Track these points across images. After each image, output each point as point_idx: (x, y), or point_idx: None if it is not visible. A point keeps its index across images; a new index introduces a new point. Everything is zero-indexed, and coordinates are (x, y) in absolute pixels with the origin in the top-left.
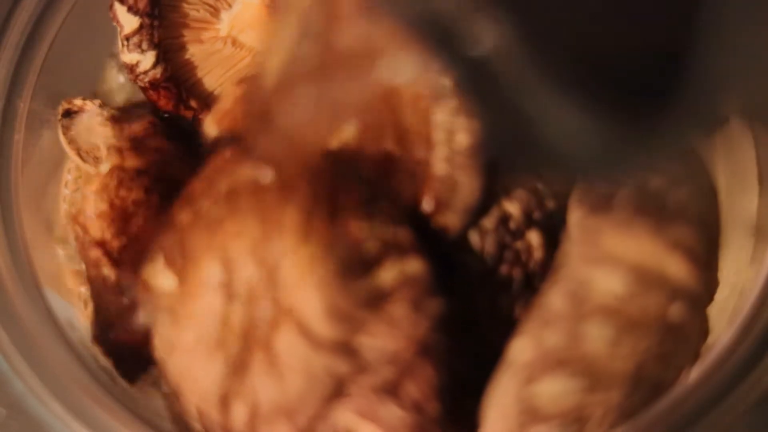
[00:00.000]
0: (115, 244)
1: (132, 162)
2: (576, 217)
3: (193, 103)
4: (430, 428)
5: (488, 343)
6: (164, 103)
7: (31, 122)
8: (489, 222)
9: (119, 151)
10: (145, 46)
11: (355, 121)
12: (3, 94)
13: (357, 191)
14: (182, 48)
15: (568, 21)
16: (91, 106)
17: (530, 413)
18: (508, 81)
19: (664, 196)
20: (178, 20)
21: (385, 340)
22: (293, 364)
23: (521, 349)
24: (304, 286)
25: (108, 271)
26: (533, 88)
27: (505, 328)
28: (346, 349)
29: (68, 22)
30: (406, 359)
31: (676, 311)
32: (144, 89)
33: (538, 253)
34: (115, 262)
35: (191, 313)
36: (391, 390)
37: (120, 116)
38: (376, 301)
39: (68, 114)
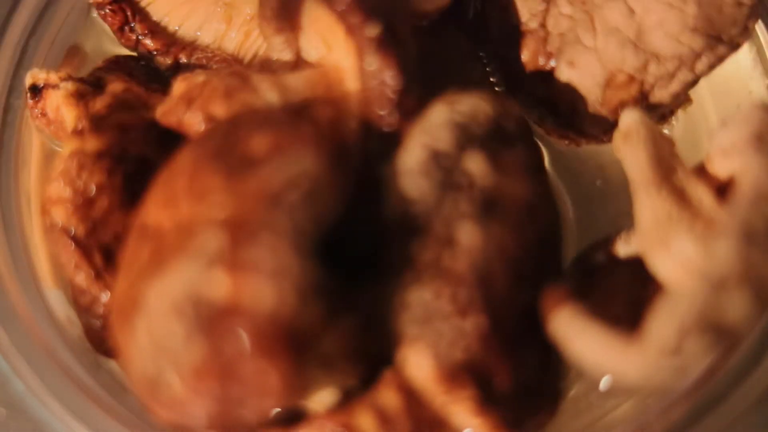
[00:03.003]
0: (81, 229)
1: (92, 144)
2: None
3: (139, 28)
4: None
5: None
6: (110, 24)
7: (31, 122)
8: None
9: (80, 133)
10: None
11: None
12: (3, 94)
13: None
14: None
15: None
16: (55, 79)
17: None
18: None
19: None
20: None
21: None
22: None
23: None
24: None
25: (76, 258)
26: None
27: None
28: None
29: (69, 22)
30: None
31: None
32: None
33: None
34: (83, 247)
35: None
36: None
37: (84, 89)
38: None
39: (34, 89)
